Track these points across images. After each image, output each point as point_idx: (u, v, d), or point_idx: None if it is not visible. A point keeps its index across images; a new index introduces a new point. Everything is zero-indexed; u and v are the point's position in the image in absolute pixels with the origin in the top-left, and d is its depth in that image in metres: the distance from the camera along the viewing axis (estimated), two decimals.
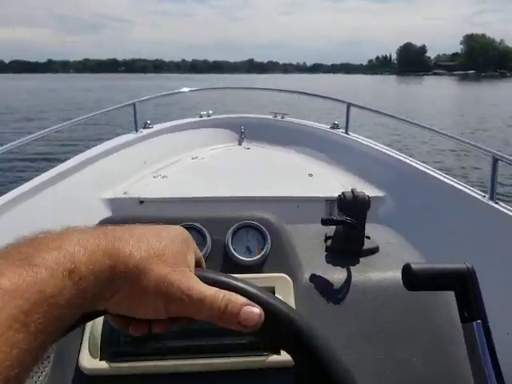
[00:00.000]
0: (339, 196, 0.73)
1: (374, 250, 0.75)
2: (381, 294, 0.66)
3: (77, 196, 2.16)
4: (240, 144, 3.69)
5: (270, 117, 3.99)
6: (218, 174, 2.80)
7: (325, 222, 0.68)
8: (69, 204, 2.05)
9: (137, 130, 3.05)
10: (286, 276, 0.65)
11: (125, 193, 2.39)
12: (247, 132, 3.73)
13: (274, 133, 3.74)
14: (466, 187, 2.22)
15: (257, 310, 0.35)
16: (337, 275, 0.69)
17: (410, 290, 0.50)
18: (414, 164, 2.67)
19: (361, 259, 0.73)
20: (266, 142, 3.69)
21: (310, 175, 2.88)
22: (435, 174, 2.47)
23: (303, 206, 2.43)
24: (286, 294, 0.63)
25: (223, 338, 0.57)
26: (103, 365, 0.56)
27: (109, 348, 0.57)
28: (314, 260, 0.72)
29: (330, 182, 2.78)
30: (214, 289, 0.35)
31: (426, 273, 0.48)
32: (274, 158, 3.36)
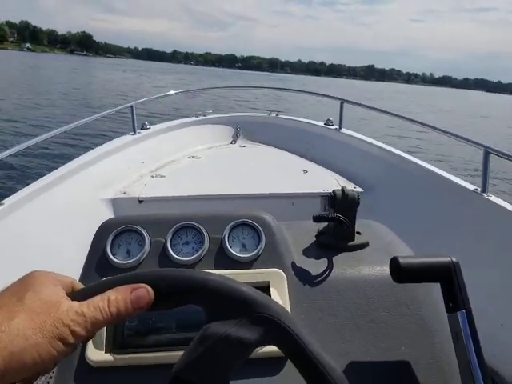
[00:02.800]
0: (330, 194, 0.78)
1: (364, 245, 0.79)
2: (370, 287, 0.69)
3: (77, 197, 2.23)
4: (235, 142, 3.80)
5: (265, 114, 4.11)
6: (215, 173, 2.89)
7: (316, 219, 0.74)
8: (69, 205, 2.13)
9: (135, 132, 3.14)
10: (280, 271, 0.69)
11: (124, 193, 2.46)
12: (243, 130, 3.87)
13: (268, 130, 3.86)
14: (458, 180, 2.28)
15: (141, 290, 0.39)
16: (328, 270, 0.72)
17: (397, 283, 0.54)
18: (407, 157, 2.73)
19: (351, 254, 0.77)
20: (261, 139, 3.81)
21: (305, 172, 2.95)
22: (428, 167, 2.52)
23: (298, 202, 2.50)
24: (280, 288, 0.67)
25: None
26: (108, 357, 0.61)
27: (113, 341, 0.63)
28: (307, 255, 0.76)
29: (325, 178, 2.86)
30: (91, 300, 0.38)
31: (413, 266, 0.52)
32: (269, 155, 3.46)
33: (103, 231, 0.74)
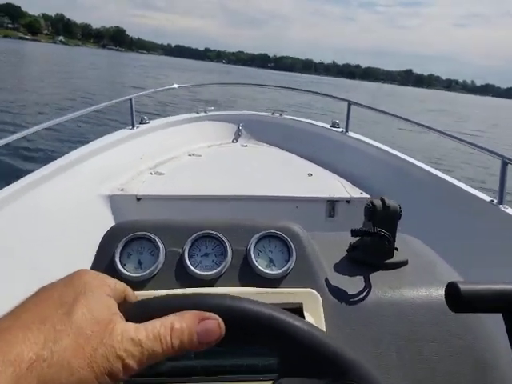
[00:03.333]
0: (367, 205, 0.73)
1: (403, 263, 0.73)
2: (415, 313, 0.64)
3: (73, 192, 2.20)
4: (237, 141, 3.77)
5: (269, 114, 4.06)
6: (216, 172, 2.88)
7: (356, 233, 0.68)
8: (65, 200, 2.10)
9: (133, 126, 3.12)
10: (314, 291, 0.63)
11: (121, 189, 2.45)
12: (245, 129, 3.82)
13: (272, 130, 3.81)
14: (472, 190, 2.21)
15: (211, 321, 0.33)
16: (367, 290, 0.67)
17: (454, 312, 0.48)
18: (417, 164, 2.65)
19: (390, 273, 0.71)
20: (264, 139, 3.77)
21: (310, 175, 2.93)
22: (441, 175, 2.44)
23: (303, 206, 2.47)
24: (314, 311, 0.61)
25: (249, 358, 0.57)
26: None
27: None
28: (339, 272, 0.71)
29: (330, 182, 2.82)
30: (150, 325, 0.31)
31: (476, 294, 0.46)
32: (272, 156, 3.44)
33: (112, 237, 0.68)
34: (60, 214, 1.97)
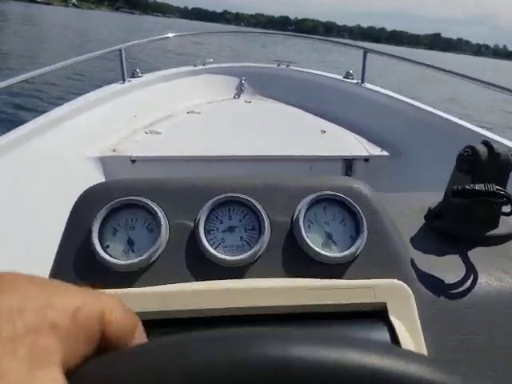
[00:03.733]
0: (465, 151, 0.56)
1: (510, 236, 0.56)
2: None
3: (57, 154, 2.01)
4: (239, 97, 3.52)
5: (274, 66, 3.78)
6: (218, 131, 2.68)
7: (459, 193, 0.50)
8: (49, 164, 1.92)
9: (124, 80, 2.89)
10: (403, 284, 0.45)
11: (114, 150, 2.27)
12: (248, 83, 3.55)
13: (278, 84, 3.55)
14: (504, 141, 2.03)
15: None
16: (472, 277, 0.50)
17: None
18: (444, 116, 2.41)
19: (494, 249, 0.54)
20: (270, 94, 3.52)
21: (323, 132, 2.74)
22: (474, 128, 2.20)
23: (317, 166, 2.32)
24: (406, 314, 0.44)
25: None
26: None
27: None
28: (424, 252, 0.53)
29: (346, 139, 2.63)
30: None
31: None
32: (279, 112, 3.20)
33: (88, 205, 0.50)
34: (41, 180, 1.78)
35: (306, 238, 0.48)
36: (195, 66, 3.60)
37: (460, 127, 2.28)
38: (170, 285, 0.46)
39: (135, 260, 0.46)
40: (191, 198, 0.51)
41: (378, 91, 3.02)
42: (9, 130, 1.89)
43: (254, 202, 0.50)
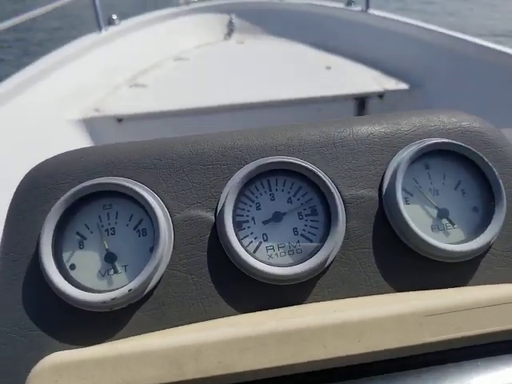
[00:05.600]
0: None
1: None
2: None
3: (32, 119, 1.85)
4: (230, 37, 3.35)
5: (265, 0, 3.58)
6: (211, 78, 2.54)
7: None
8: (25, 129, 1.77)
9: (100, 29, 2.68)
10: None
11: (96, 110, 2.14)
12: (238, 21, 3.40)
13: (272, 19, 3.37)
14: None
15: None
16: None
17: None
18: (468, 39, 2.17)
19: None
20: (263, 32, 3.34)
21: (328, 68, 2.57)
22: (504, 50, 1.98)
23: (326, 108, 2.17)
24: None
25: None
26: None
27: None
28: None
29: (355, 74, 2.46)
30: None
31: None
32: (276, 51, 3.02)
33: (32, 195, 0.34)
34: (15, 151, 1.63)
35: (408, 221, 0.32)
36: (177, 5, 3.41)
37: (487, 49, 2.09)
38: (182, 329, 0.30)
39: (125, 288, 0.30)
40: (205, 172, 0.35)
41: (387, 17, 2.82)
42: None
43: (312, 167, 0.34)
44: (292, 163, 0.34)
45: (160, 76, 2.62)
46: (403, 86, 2.25)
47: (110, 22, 2.88)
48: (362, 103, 2.22)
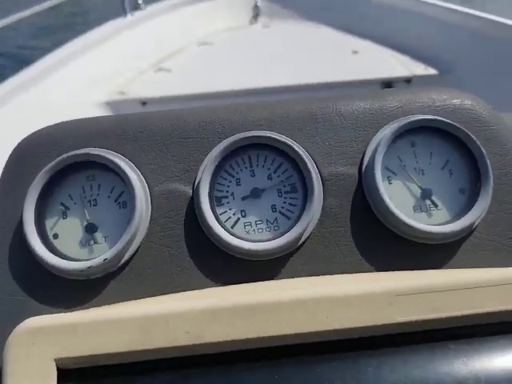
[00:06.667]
0: None
1: None
2: None
3: (58, 102, 1.93)
4: (256, 21, 3.35)
5: None
6: (236, 62, 2.57)
7: None
8: (51, 111, 1.82)
9: (126, 14, 2.76)
10: None
11: (121, 93, 2.20)
12: (264, 5, 3.38)
13: (298, 3, 3.36)
14: None
15: None
16: None
17: None
18: (504, 22, 2.15)
19: None
20: (289, 15, 3.34)
21: (355, 52, 2.57)
22: None
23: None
24: None
25: None
26: None
27: None
28: None
29: (382, 58, 2.47)
30: None
31: None
32: (302, 35, 3.02)
33: (20, 166, 0.36)
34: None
35: (386, 201, 0.32)
36: None
37: None
38: (155, 299, 0.31)
39: (100, 257, 0.32)
40: (185, 145, 0.36)
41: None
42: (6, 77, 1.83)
43: (291, 143, 0.34)
44: (269, 137, 0.34)
45: (184, 61, 2.67)
46: (432, 71, 2.22)
47: (136, 7, 2.94)
48: (389, 88, 2.20)
